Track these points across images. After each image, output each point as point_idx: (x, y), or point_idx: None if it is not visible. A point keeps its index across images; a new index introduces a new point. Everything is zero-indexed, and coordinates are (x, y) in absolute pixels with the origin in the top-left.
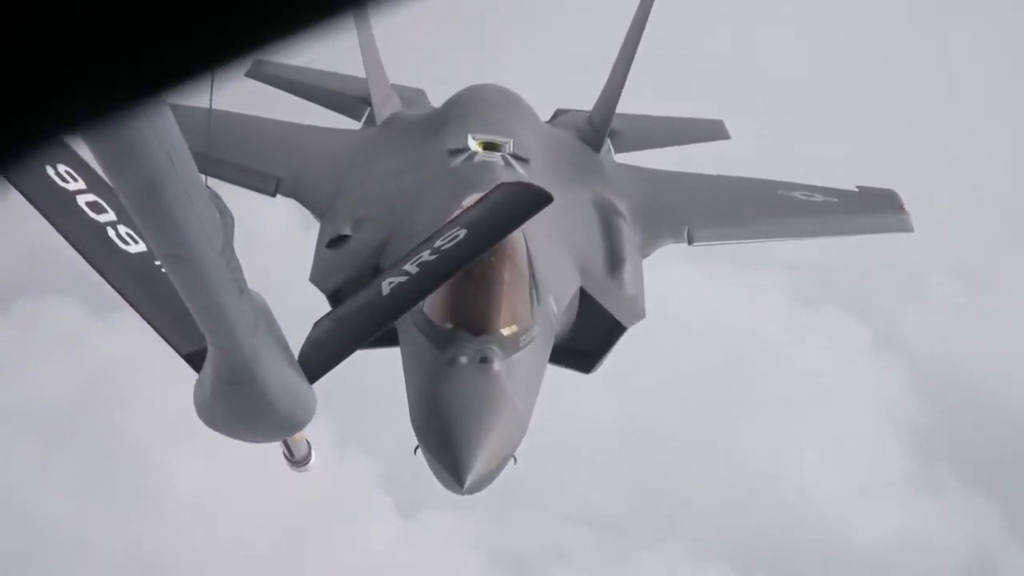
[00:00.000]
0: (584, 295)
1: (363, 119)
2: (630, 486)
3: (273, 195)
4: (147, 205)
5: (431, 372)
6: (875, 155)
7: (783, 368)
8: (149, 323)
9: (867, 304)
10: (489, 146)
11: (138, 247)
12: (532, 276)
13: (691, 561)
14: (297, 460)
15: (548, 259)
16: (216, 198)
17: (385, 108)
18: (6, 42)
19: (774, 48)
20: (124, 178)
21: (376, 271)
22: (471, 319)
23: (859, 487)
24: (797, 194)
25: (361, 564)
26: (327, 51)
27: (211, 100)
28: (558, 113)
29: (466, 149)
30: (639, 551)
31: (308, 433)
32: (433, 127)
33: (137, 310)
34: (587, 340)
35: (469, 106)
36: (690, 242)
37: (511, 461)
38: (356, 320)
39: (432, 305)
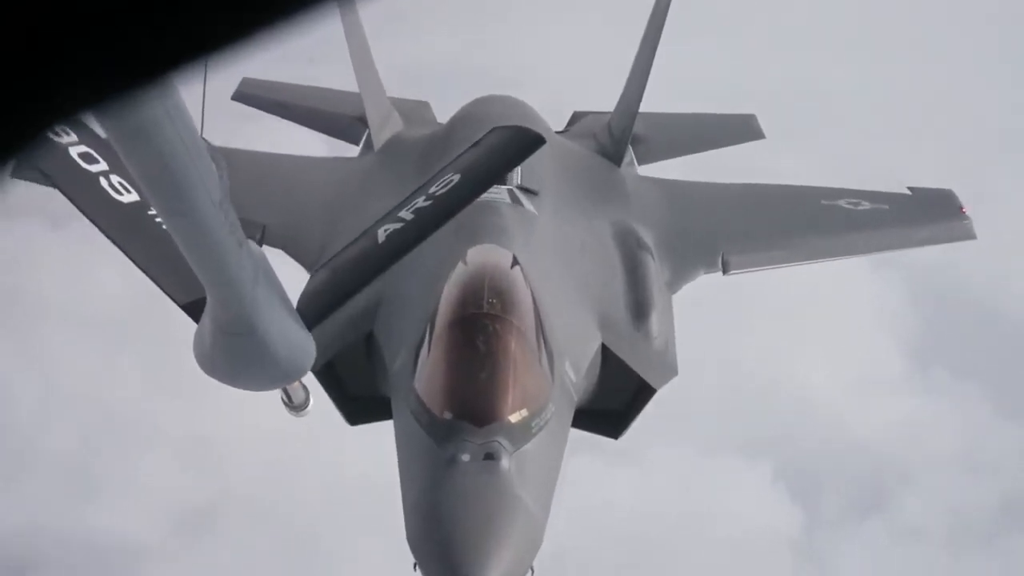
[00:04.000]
0: (607, 351)
1: (361, 142)
2: None
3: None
4: (146, 161)
5: (428, 473)
6: (867, 80)
7: (785, 282)
8: (145, 273)
9: None
10: None
11: (131, 196)
12: (544, 342)
13: (699, 455)
14: (295, 405)
15: (563, 316)
16: (212, 150)
17: (384, 130)
18: (21, 24)
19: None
20: (122, 136)
21: (369, 339)
22: (473, 407)
23: (858, 388)
24: (842, 202)
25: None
26: (317, 67)
27: (205, 88)
28: (575, 117)
29: None
30: (646, 448)
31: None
32: (435, 154)
33: (133, 260)
34: (611, 400)
35: (474, 126)
36: (725, 271)
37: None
38: (352, 269)
39: (428, 389)
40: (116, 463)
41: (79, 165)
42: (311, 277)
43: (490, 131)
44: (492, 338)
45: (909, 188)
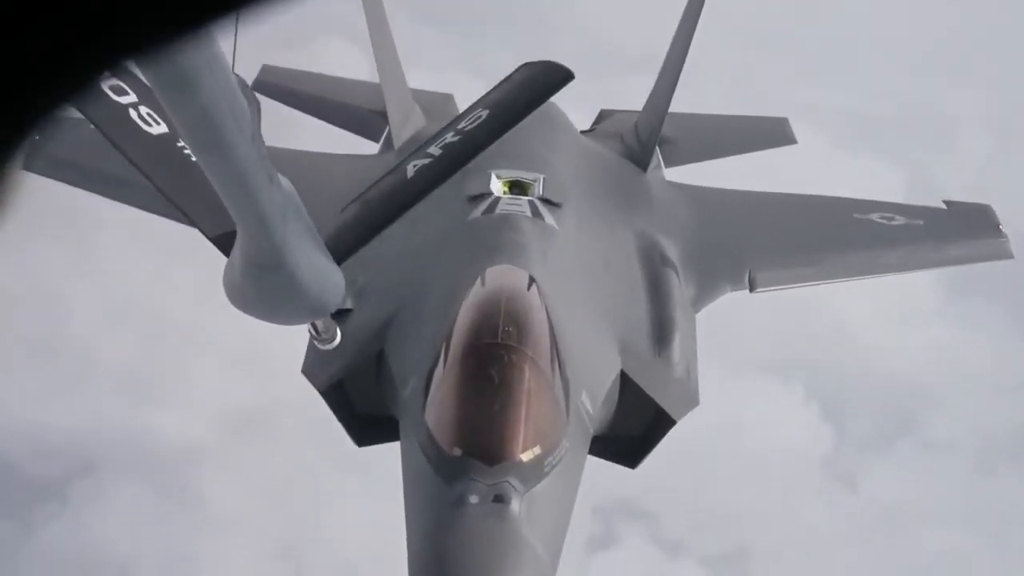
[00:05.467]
0: (625, 377)
1: (381, 140)
2: None
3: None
4: (183, 101)
5: (435, 514)
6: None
7: None
8: (175, 205)
9: (903, 154)
10: (516, 186)
11: (160, 128)
12: (560, 373)
13: (732, 375)
14: (324, 338)
15: (582, 342)
16: (244, 85)
17: (405, 127)
18: None
19: None
20: (160, 78)
21: (380, 357)
22: (483, 444)
23: (894, 317)
24: (875, 216)
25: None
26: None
27: (237, 27)
28: (602, 115)
29: (488, 194)
30: None
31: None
32: None
33: (162, 192)
34: (628, 426)
35: None
36: (751, 288)
37: None
38: (381, 203)
39: (439, 423)
40: (170, 370)
41: (109, 97)
42: (341, 211)
43: (519, 67)
44: (506, 370)
45: (945, 202)
